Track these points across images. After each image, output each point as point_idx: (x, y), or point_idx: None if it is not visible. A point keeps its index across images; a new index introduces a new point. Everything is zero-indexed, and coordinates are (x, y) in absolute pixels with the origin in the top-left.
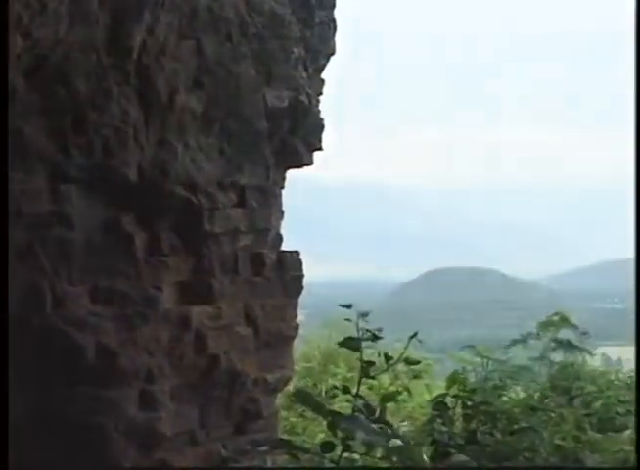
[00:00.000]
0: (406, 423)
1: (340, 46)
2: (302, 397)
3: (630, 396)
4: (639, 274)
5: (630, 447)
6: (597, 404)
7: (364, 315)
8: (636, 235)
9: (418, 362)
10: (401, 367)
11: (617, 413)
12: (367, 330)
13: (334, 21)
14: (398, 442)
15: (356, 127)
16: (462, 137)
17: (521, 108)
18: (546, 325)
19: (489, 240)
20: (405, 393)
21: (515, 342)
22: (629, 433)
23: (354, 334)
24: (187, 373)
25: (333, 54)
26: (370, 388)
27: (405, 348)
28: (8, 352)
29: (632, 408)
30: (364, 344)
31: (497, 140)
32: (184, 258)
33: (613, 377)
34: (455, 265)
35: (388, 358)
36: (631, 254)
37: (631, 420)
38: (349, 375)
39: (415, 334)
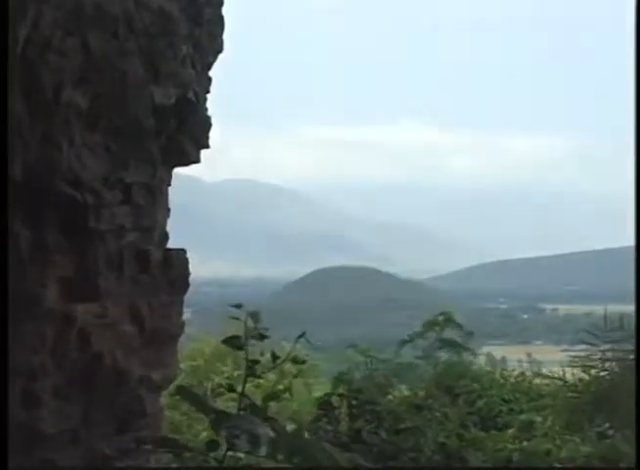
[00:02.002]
0: (291, 422)
1: (228, 44)
2: (185, 394)
3: (513, 394)
4: (639, 274)
5: (513, 445)
6: (481, 403)
7: (253, 314)
8: (636, 235)
9: (304, 362)
10: (288, 367)
11: (501, 412)
12: (254, 329)
13: (222, 18)
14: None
15: (243, 125)
16: (353, 136)
17: (412, 107)
18: (431, 325)
19: (379, 239)
20: (291, 391)
21: (403, 342)
22: (512, 431)
23: (243, 333)
24: (70, 371)
25: (221, 52)
26: (257, 387)
27: (292, 347)
28: (8, 352)
29: (515, 407)
30: (251, 342)
31: (389, 139)
32: (69, 256)
33: (497, 376)
34: (344, 264)
35: (274, 357)
36: (517, 255)
37: (514, 419)
38: (236, 374)
39: (303, 334)
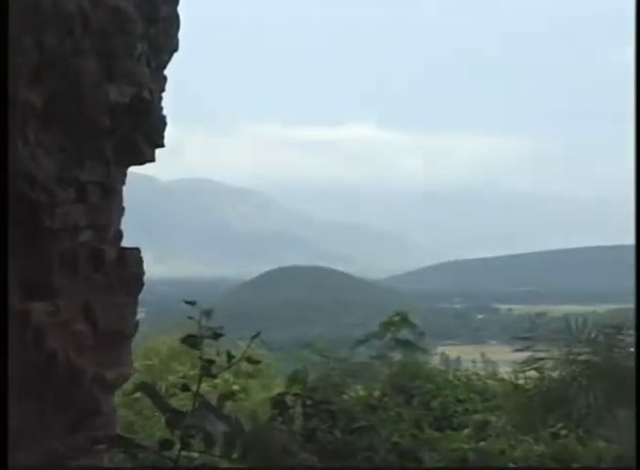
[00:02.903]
0: (246, 421)
1: (183, 43)
2: (146, 390)
3: (468, 395)
4: (639, 274)
5: (468, 445)
6: (435, 403)
7: (207, 313)
8: (636, 235)
9: (259, 362)
10: (244, 366)
11: (456, 412)
12: (209, 328)
13: (177, 17)
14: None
15: (199, 124)
16: (309, 136)
17: (367, 108)
18: (387, 325)
19: (335, 240)
20: (247, 391)
21: (358, 342)
22: (467, 431)
23: (198, 332)
24: (25, 369)
25: (176, 50)
26: (214, 386)
27: (247, 347)
28: (8, 353)
29: (470, 407)
30: (208, 342)
31: (342, 138)
32: (24, 255)
33: (451, 376)
34: (299, 264)
35: (230, 357)
36: (472, 255)
37: (469, 418)
38: (192, 373)
39: (257, 334)
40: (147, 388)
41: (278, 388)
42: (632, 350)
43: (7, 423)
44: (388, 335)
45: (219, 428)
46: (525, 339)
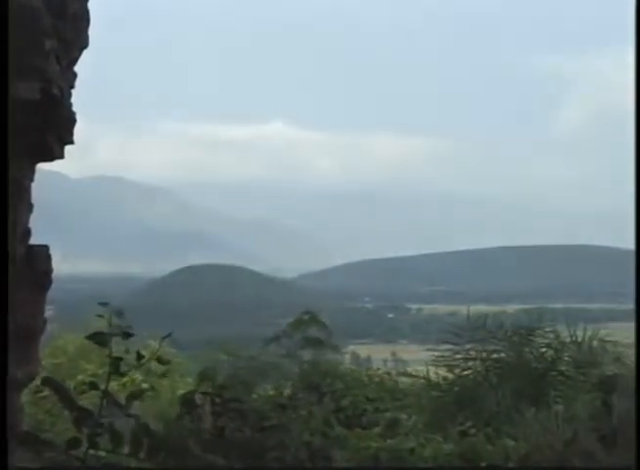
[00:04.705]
0: (155, 419)
1: (93, 39)
2: (53, 386)
3: (377, 393)
4: (639, 274)
5: (378, 444)
6: (346, 402)
7: (116, 312)
8: (636, 235)
9: (169, 362)
10: (154, 365)
11: (366, 410)
12: (118, 327)
13: (87, 12)
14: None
15: (113, 122)
16: (223, 135)
17: (282, 107)
18: (297, 324)
19: (247, 238)
20: (156, 389)
21: (268, 340)
22: (377, 430)
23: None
24: None
25: (86, 47)
26: (123, 385)
27: (158, 346)
28: (7, 352)
29: (380, 406)
30: (117, 341)
31: (259, 138)
32: None
33: (362, 375)
34: (212, 262)
35: (139, 356)
36: (383, 254)
37: (379, 417)
38: (101, 371)
39: (168, 334)
40: (52, 384)
41: (188, 387)
42: (542, 350)
43: (7, 423)
44: (298, 334)
45: (127, 427)
46: (445, 340)
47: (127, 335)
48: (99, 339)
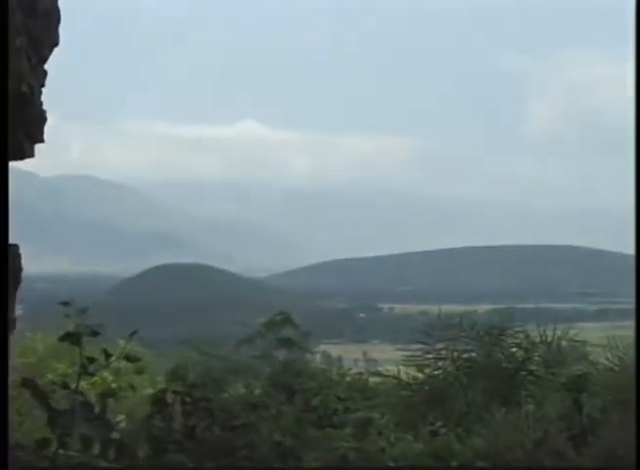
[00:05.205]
0: (125, 419)
1: (64, 36)
2: (30, 387)
3: (349, 393)
4: (639, 274)
5: (348, 444)
6: (317, 401)
7: (83, 311)
8: (636, 236)
9: (139, 359)
10: (125, 364)
11: (337, 410)
12: (87, 326)
13: (58, 10)
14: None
15: (80, 121)
16: (193, 134)
17: (252, 107)
18: (270, 324)
19: (218, 238)
20: (126, 389)
21: (242, 341)
22: (347, 430)
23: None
24: None
25: (56, 44)
26: (93, 384)
27: (126, 345)
28: (8, 354)
29: (351, 405)
30: (88, 340)
31: (228, 138)
32: None
33: (333, 375)
34: (182, 262)
35: (107, 355)
36: (355, 254)
37: (350, 417)
38: (71, 371)
39: (134, 332)
40: (29, 384)
41: (159, 386)
42: (513, 350)
43: (7, 423)
44: (271, 334)
45: (97, 427)
46: (416, 339)
47: (95, 334)
48: (71, 339)
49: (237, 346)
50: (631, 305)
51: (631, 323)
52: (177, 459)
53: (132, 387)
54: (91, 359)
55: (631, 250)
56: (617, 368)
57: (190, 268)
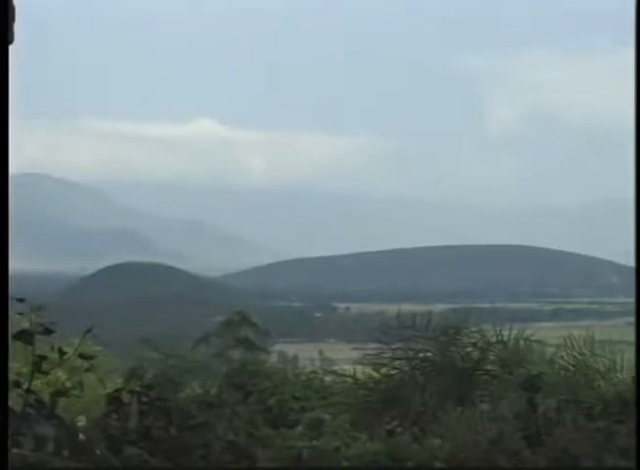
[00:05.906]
0: (82, 418)
1: (21, 34)
2: None
3: (305, 392)
4: (639, 273)
5: (302, 443)
6: (272, 401)
7: (37, 309)
8: (636, 236)
9: (93, 357)
10: (80, 363)
11: (292, 409)
12: (40, 324)
13: (12, 7)
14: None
15: (40, 120)
16: (150, 132)
17: (210, 105)
18: (228, 324)
19: (173, 237)
20: (81, 387)
21: (198, 340)
22: (302, 429)
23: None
24: None
25: (11, 42)
26: (47, 383)
27: (79, 343)
28: (8, 351)
29: (306, 404)
30: (42, 339)
31: (187, 136)
32: None
33: (289, 374)
34: (137, 261)
35: (62, 353)
36: (311, 253)
37: (305, 416)
38: (25, 370)
39: (89, 329)
40: None
41: (115, 385)
42: (468, 349)
43: (7, 423)
44: (229, 334)
45: (50, 426)
46: (373, 339)
47: (48, 331)
48: (24, 337)
49: (194, 345)
50: (585, 306)
51: (586, 323)
52: (134, 458)
53: (87, 386)
54: (43, 357)
55: (587, 250)
56: (572, 368)
57: (146, 267)
